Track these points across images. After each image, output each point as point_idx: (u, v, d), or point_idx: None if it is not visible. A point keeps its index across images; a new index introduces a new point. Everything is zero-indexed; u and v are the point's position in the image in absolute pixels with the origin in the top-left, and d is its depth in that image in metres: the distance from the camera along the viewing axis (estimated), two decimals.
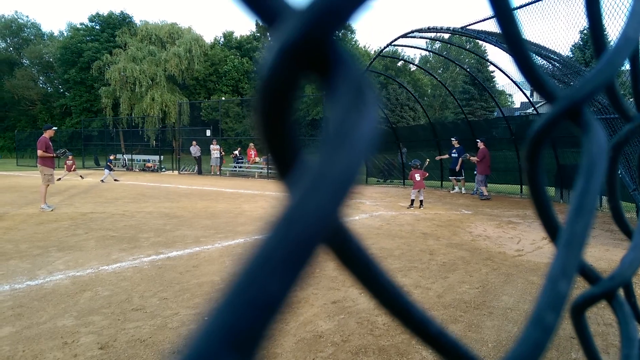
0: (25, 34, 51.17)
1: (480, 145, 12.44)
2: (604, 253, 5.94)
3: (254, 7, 0.15)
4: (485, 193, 12.48)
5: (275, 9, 0.15)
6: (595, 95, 0.29)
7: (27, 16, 59.06)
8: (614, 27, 5.63)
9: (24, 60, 49.94)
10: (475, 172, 12.72)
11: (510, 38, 0.26)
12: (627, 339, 0.37)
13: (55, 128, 10.24)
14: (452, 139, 13.80)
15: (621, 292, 0.41)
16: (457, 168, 13.63)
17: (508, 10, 0.25)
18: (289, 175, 0.15)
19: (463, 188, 13.96)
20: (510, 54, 0.27)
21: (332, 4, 0.14)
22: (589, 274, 0.36)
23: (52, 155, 9.59)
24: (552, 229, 0.31)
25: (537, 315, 0.22)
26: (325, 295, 4.14)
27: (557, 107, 0.28)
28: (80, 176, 17.96)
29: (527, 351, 0.21)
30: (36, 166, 9.71)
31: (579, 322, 0.37)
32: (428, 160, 14.17)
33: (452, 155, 13.71)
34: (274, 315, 0.12)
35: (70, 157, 16.97)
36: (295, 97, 0.14)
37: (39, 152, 9.45)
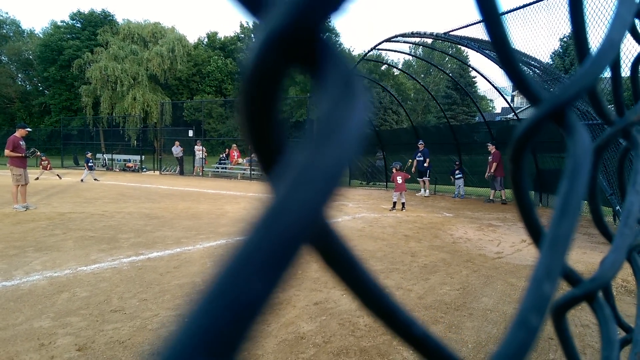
0: (4, 31, 50.06)
1: (491, 148, 12.49)
2: (581, 256, 6.05)
3: None
4: (504, 197, 12.61)
5: None
6: (579, 97, 0.29)
7: (6, 12, 58.01)
8: (595, 37, 5.75)
9: (2, 57, 48.81)
10: (492, 177, 12.63)
11: (497, 41, 0.26)
12: (607, 340, 0.38)
13: (30, 129, 9.96)
14: (419, 142, 14.19)
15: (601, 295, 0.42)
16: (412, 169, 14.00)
17: (496, 13, 0.25)
18: (274, 171, 0.15)
19: (427, 190, 14.15)
20: (497, 56, 0.27)
21: None
22: (570, 275, 0.37)
23: (21, 155, 9.33)
24: (534, 230, 0.31)
25: (521, 316, 0.22)
26: (308, 297, 4.13)
27: (541, 109, 0.28)
28: (58, 175, 17.64)
29: (512, 352, 0.21)
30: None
31: (560, 323, 0.37)
32: (410, 161, 14.29)
33: (418, 159, 14.10)
34: (254, 318, 0.11)
35: (43, 157, 16.75)
36: (281, 89, 0.14)
37: (6, 152, 9.16)
